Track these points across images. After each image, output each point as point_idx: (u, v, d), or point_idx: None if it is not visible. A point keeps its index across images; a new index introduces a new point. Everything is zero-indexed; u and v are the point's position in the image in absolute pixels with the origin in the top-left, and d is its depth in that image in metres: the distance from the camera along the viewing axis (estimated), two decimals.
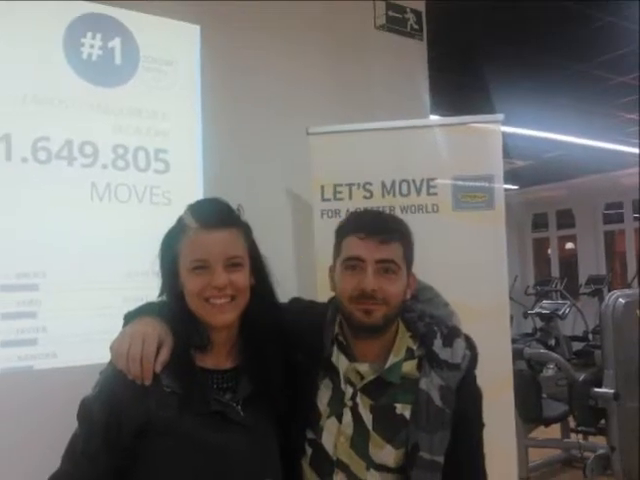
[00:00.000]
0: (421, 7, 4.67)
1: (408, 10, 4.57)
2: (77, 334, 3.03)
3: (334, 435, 1.68)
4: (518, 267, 13.86)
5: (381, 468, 1.66)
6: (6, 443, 2.82)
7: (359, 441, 1.67)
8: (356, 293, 1.65)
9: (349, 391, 1.70)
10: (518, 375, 4.05)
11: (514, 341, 5.47)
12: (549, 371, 6.80)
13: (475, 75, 6.73)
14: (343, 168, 3.44)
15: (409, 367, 1.71)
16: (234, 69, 3.74)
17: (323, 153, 3.47)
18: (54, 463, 1.56)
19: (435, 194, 3.40)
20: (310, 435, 1.70)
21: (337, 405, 1.70)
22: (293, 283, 3.41)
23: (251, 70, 3.81)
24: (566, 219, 14.34)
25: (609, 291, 7.69)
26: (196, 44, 3.54)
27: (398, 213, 3.18)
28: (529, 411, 5.43)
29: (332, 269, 1.78)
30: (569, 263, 14.32)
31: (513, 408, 3.35)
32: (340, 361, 1.73)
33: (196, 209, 1.64)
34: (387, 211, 2.89)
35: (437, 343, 1.70)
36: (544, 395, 5.85)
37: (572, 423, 5.84)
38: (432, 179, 3.40)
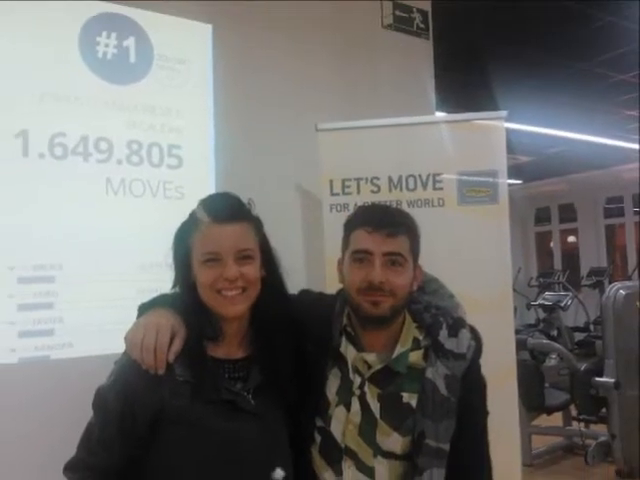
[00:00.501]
0: (427, 7, 4.69)
1: (414, 10, 4.59)
2: (92, 325, 3.06)
3: (342, 423, 1.70)
4: (521, 260, 13.83)
5: (388, 455, 1.68)
6: (23, 431, 2.85)
7: (367, 429, 1.69)
8: (364, 285, 1.67)
9: (357, 380, 1.72)
10: (521, 365, 4.07)
11: (517, 332, 5.53)
12: (551, 361, 6.85)
13: (479, 73, 6.74)
14: (351, 163, 3.47)
15: (415, 357, 1.73)
16: (245, 67, 3.76)
17: (332, 149, 3.50)
18: (70, 451, 1.60)
19: (441, 189, 3.43)
20: (319, 423, 1.73)
21: (345, 394, 1.72)
22: (302, 275, 3.41)
23: (262, 68, 3.83)
24: (568, 213, 14.35)
25: (610, 283, 7.68)
26: (208, 43, 3.56)
27: (405, 207, 3.20)
28: (532, 400, 5.48)
29: (340, 262, 1.80)
30: (571, 256, 14.31)
31: (517, 397, 3.38)
32: (348, 351, 1.75)
33: (208, 203, 1.66)
34: (394, 205, 2.95)
35: (443, 333, 1.72)
36: (547, 384, 5.91)
37: (574, 411, 5.91)
38: (438, 174, 3.43)
